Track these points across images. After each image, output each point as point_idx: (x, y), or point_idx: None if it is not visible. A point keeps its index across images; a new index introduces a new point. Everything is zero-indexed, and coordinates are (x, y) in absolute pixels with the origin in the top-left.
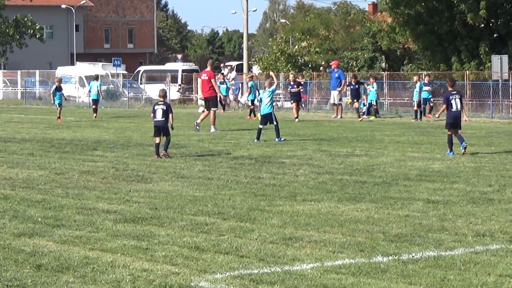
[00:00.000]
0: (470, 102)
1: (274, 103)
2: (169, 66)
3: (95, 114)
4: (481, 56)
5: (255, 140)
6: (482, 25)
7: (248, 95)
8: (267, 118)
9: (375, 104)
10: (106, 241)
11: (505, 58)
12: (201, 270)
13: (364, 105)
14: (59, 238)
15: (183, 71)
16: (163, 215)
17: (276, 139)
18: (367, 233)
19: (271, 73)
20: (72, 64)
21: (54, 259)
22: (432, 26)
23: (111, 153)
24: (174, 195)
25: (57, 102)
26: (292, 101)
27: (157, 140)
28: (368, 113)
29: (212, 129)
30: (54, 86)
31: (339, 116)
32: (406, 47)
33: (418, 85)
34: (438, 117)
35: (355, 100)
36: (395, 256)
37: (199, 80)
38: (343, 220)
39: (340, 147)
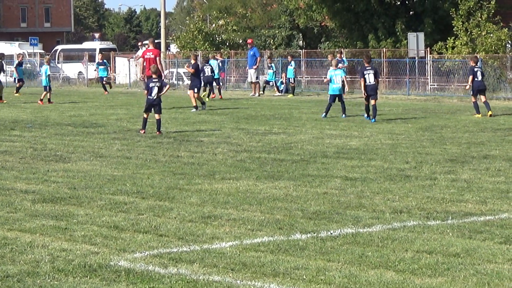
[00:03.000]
0: (387, 80)
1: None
2: (86, 45)
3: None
4: (398, 33)
5: (324, 115)
6: (399, 3)
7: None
8: (338, 97)
9: (292, 82)
10: (24, 221)
11: (421, 35)
12: (120, 250)
13: (282, 83)
14: None
15: (100, 50)
16: (81, 194)
17: (343, 116)
18: (285, 211)
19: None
20: None
21: None
22: (349, 4)
23: (29, 133)
24: (92, 175)
25: None
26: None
27: (145, 115)
28: (286, 91)
29: None
30: None
31: (256, 94)
32: (323, 25)
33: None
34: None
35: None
36: (314, 233)
37: (139, 60)
38: (262, 198)
39: (258, 125)
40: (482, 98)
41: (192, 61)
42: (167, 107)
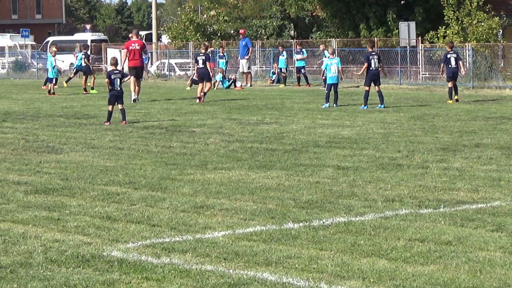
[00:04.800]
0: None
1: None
2: (78, 36)
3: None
4: (389, 23)
5: (327, 105)
6: None
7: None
8: (334, 86)
9: (284, 72)
10: (17, 212)
11: (412, 24)
12: (113, 240)
13: (273, 73)
14: None
15: (92, 41)
16: (74, 185)
17: (335, 105)
18: (277, 200)
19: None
20: None
21: None
22: None
23: (21, 124)
24: (85, 166)
25: None
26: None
27: (110, 107)
28: (278, 81)
29: (134, 96)
30: None
31: (248, 84)
32: (314, 14)
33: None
34: (361, 74)
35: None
36: (306, 222)
37: (122, 51)
38: (254, 188)
39: (250, 115)
40: (449, 84)
41: (203, 51)
42: (160, 99)
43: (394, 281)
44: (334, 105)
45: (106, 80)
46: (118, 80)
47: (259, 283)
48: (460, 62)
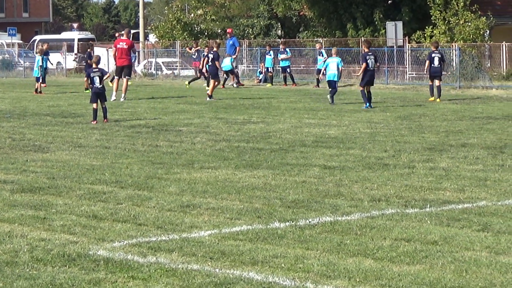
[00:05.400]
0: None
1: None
2: (65, 35)
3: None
4: (376, 23)
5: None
6: None
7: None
8: (333, 83)
9: (271, 71)
10: (3, 211)
11: (399, 24)
12: (99, 239)
13: (260, 72)
14: None
15: (79, 40)
16: (60, 184)
17: (331, 100)
18: (264, 200)
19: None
20: None
21: None
22: None
23: (8, 123)
24: (71, 165)
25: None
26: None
27: (95, 105)
28: (264, 80)
29: (122, 98)
30: None
31: (235, 84)
32: (301, 14)
33: (322, 52)
34: (360, 75)
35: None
36: (292, 221)
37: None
38: (240, 187)
39: (237, 114)
40: (436, 82)
41: (215, 48)
42: (146, 97)
43: (380, 280)
44: (331, 101)
45: (85, 78)
46: (98, 78)
47: (245, 283)
48: (443, 64)
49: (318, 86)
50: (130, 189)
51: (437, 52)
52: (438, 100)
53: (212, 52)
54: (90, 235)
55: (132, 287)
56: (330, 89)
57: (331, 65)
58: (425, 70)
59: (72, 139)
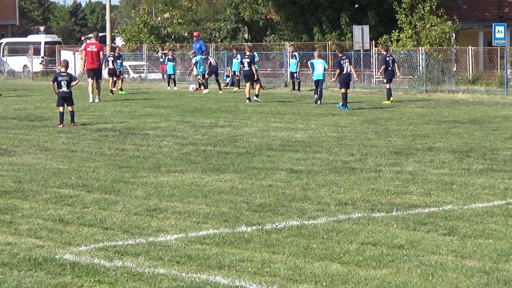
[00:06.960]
0: (332, 72)
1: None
2: (31, 38)
3: None
4: (342, 26)
5: (319, 103)
6: None
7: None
8: (320, 83)
9: (238, 75)
10: None
11: (366, 28)
12: (65, 243)
13: (227, 76)
14: None
15: (45, 43)
16: (26, 188)
17: (319, 102)
18: (231, 203)
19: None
20: None
21: None
22: None
23: None
24: (37, 168)
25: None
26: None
27: (61, 109)
28: (231, 84)
29: (97, 99)
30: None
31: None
32: (268, 17)
33: (296, 55)
34: (335, 80)
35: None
36: (259, 225)
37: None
38: (207, 191)
39: (204, 118)
40: (389, 85)
41: (248, 53)
42: (112, 100)
43: (347, 284)
44: (318, 101)
45: (51, 83)
46: (65, 82)
47: (211, 287)
48: (396, 65)
49: (295, 90)
50: (96, 193)
51: (389, 55)
52: (389, 101)
53: (246, 56)
54: (56, 239)
55: None
56: (316, 89)
57: (318, 65)
58: (380, 73)
59: (39, 142)
